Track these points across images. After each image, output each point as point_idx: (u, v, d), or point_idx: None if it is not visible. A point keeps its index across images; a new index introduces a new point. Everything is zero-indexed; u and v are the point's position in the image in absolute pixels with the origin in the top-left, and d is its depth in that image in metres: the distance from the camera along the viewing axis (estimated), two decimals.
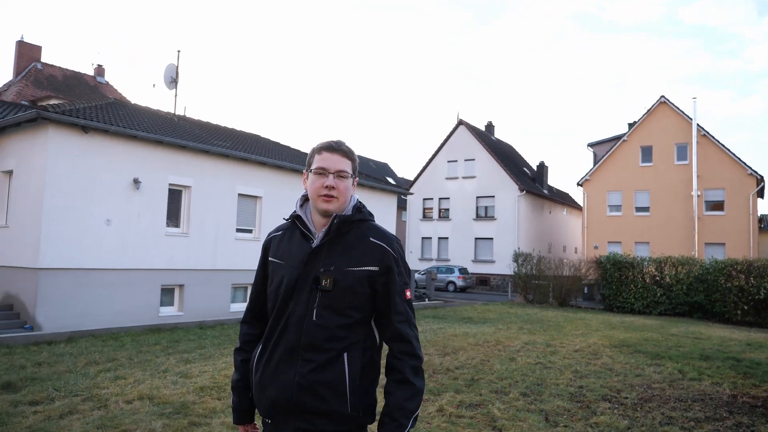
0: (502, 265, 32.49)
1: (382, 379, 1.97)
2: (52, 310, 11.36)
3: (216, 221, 14.72)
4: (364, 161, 46.63)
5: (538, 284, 23.33)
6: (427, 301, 22.35)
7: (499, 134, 50.57)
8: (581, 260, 24.65)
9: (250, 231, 15.82)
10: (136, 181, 12.86)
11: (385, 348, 2.00)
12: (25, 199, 12.00)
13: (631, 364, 8.84)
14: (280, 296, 2.00)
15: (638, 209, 31.21)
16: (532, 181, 38.46)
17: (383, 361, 2.02)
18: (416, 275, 26.44)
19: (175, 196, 14.01)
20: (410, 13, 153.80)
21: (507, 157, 38.29)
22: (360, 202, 2.11)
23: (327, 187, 1.97)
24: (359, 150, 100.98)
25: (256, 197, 15.90)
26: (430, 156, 38.59)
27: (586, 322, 15.33)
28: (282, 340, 1.96)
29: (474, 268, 34.49)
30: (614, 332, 13.11)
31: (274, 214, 16.08)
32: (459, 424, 5.36)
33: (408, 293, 2.02)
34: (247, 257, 15.20)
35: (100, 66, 31.52)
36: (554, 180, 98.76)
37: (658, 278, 20.49)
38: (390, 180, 43.01)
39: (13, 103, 19.07)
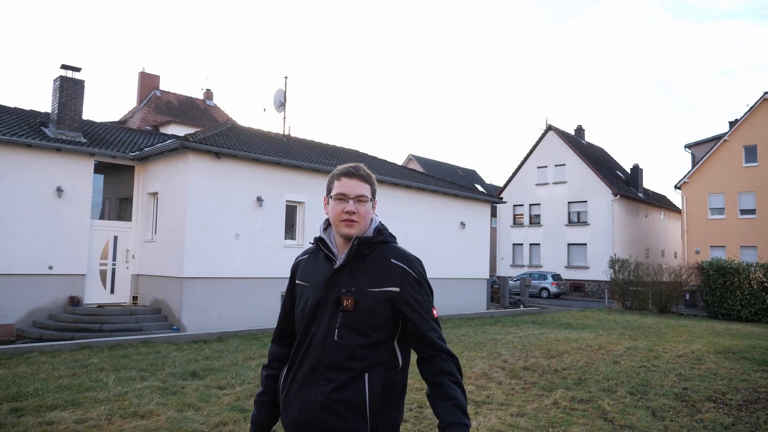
0: (597, 271, 32.17)
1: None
2: (194, 314, 13.04)
3: None
4: (451, 169, 47.34)
5: (636, 291, 23.14)
6: (522, 308, 22.76)
7: (590, 138, 49.59)
8: (681, 266, 24.17)
9: None
10: (259, 199, 14.41)
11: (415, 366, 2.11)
12: (169, 217, 13.81)
13: (737, 370, 9.10)
14: (305, 317, 2.06)
15: (743, 212, 29.92)
16: (626, 185, 37.71)
17: (411, 380, 2.35)
18: (510, 282, 26.86)
19: (291, 211, 15.49)
20: (494, 18, 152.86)
21: (599, 161, 37.79)
22: (382, 224, 2.16)
23: (347, 212, 2.03)
24: (447, 157, 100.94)
25: None
26: (519, 162, 38.79)
27: (689, 329, 15.32)
28: (306, 359, 2.01)
29: (567, 274, 34.31)
30: (719, 339, 13.14)
31: None
32: (573, 414, 6.10)
33: (435, 312, 2.07)
34: None
35: (208, 90, 34.29)
36: (650, 183, 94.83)
37: (767, 284, 19.86)
38: (478, 187, 43.49)
39: (140, 129, 21.49)
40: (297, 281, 2.19)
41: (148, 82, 31.45)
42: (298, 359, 2.04)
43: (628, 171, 40.68)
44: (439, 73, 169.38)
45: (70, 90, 14.59)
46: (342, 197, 2.05)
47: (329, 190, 2.12)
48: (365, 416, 1.92)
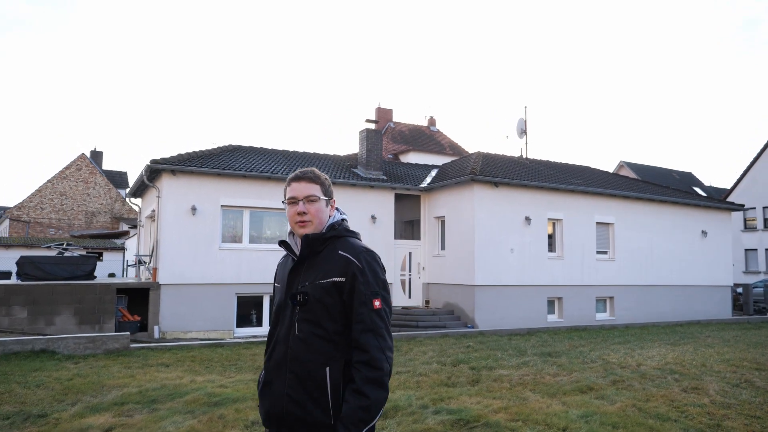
0: None
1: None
2: (484, 315, 16.11)
3: (581, 246, 18.24)
4: (666, 173, 46.03)
5: None
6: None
7: None
8: None
9: (605, 252, 18.99)
10: (527, 219, 17.11)
11: None
12: (456, 237, 17.09)
13: None
14: (273, 315, 2.21)
15: None
16: None
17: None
18: (754, 289, 26.34)
19: (551, 227, 17.96)
20: (713, 15, 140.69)
21: None
22: (342, 221, 2.23)
23: (299, 213, 2.13)
24: (658, 161, 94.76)
25: (609, 224, 19.04)
26: (748, 163, 36.98)
27: None
28: (273, 355, 2.13)
29: None
30: None
31: (624, 238, 19.02)
32: None
33: (377, 303, 2.04)
34: (606, 275, 18.43)
35: (431, 117, 38.30)
36: None
37: None
38: (697, 190, 41.98)
39: (410, 163, 25.54)
40: (275, 284, 2.32)
41: (383, 116, 36.22)
42: (267, 355, 2.18)
43: None
44: (644, 76, 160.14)
45: (372, 138, 18.73)
46: (293, 200, 2.17)
47: (284, 196, 2.22)
48: (328, 409, 1.99)
